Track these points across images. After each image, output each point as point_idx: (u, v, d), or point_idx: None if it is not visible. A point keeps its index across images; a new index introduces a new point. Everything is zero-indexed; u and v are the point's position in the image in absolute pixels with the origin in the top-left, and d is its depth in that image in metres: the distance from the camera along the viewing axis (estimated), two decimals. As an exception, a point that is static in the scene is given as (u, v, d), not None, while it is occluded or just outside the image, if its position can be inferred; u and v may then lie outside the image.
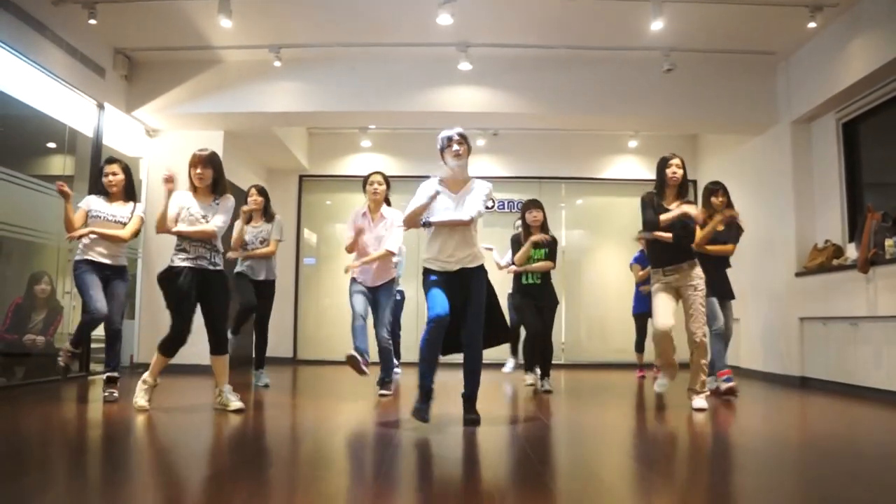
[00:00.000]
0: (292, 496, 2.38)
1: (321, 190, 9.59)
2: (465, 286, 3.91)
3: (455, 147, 3.98)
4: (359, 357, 4.99)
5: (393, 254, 5.17)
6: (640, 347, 7.27)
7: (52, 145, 6.45)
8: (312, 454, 3.33)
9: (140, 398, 4.26)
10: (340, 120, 8.18)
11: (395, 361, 5.93)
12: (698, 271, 4.68)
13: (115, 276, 4.81)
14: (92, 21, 5.80)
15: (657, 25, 5.92)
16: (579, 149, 9.38)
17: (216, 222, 4.26)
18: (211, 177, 4.30)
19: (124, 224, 4.77)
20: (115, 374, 4.78)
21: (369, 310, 5.22)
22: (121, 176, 4.83)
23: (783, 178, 6.99)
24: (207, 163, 4.28)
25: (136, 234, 4.90)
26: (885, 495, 2.53)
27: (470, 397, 3.94)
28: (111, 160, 4.92)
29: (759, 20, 6.13)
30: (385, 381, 5.25)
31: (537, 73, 7.04)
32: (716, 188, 5.66)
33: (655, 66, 6.78)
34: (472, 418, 3.86)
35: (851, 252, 5.95)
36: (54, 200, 5.65)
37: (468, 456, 3.25)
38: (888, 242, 5.31)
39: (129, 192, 4.90)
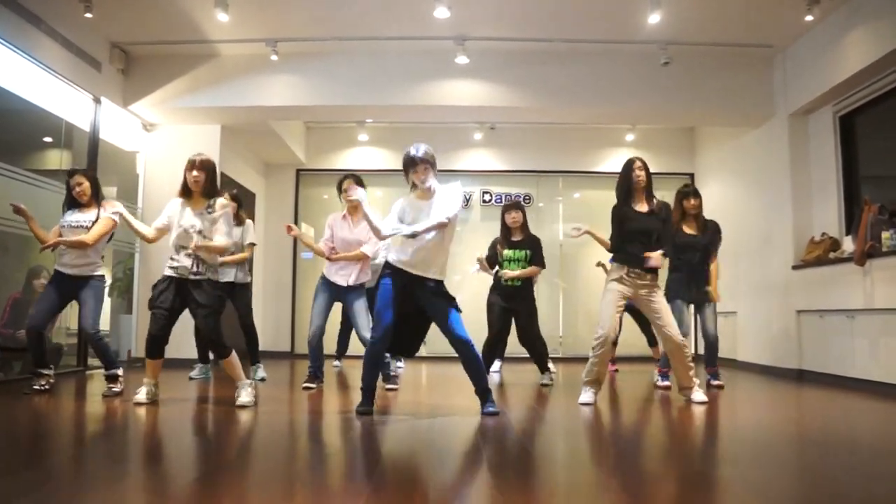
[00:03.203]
0: (291, 489, 2.39)
1: (318, 184, 9.58)
2: (424, 296, 3.96)
3: (420, 175, 3.97)
4: (313, 386, 5.17)
5: (367, 257, 5.17)
6: (614, 341, 7.21)
7: (48, 140, 6.43)
8: (311, 448, 3.33)
9: (140, 395, 4.27)
10: (337, 114, 8.17)
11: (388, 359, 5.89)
12: (657, 282, 4.63)
13: (82, 285, 4.80)
14: (88, 14, 5.78)
15: (654, 18, 5.92)
16: (576, 142, 9.38)
17: (222, 239, 4.29)
18: (204, 180, 4.30)
19: (87, 227, 4.76)
20: (116, 372, 4.77)
21: (326, 319, 5.25)
22: (86, 184, 4.86)
23: (780, 171, 7.00)
24: (202, 167, 4.29)
25: (104, 235, 4.80)
26: (881, 487, 2.54)
27: (481, 392, 4.04)
28: (73, 172, 4.95)
29: (757, 13, 6.13)
30: (390, 375, 5.26)
31: (534, 67, 7.03)
32: (687, 192, 5.62)
33: (653, 60, 6.79)
34: (488, 412, 3.95)
35: (848, 245, 5.96)
36: (52, 195, 5.65)
37: (465, 449, 3.25)
38: (885, 235, 5.33)
39: (96, 195, 4.92)
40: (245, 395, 4.27)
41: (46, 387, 4.74)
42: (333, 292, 5.22)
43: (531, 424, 3.90)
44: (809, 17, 5.83)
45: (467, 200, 9.30)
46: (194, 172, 4.27)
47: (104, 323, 5.85)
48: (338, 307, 5.41)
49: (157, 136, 7.54)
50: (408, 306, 3.98)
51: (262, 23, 6.49)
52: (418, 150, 3.96)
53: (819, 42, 6.28)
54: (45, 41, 5.70)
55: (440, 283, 4.01)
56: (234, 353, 4.36)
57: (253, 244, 5.95)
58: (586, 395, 4.53)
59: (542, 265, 5.73)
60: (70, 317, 6.27)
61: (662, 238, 4.58)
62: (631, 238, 4.56)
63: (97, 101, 6.54)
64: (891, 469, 2.84)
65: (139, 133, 7.46)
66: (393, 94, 7.13)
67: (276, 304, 9.34)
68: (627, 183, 4.62)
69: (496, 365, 6.93)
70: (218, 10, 5.80)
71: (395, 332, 4.02)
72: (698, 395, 4.57)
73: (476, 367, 4.03)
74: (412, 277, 3.94)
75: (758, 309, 7.39)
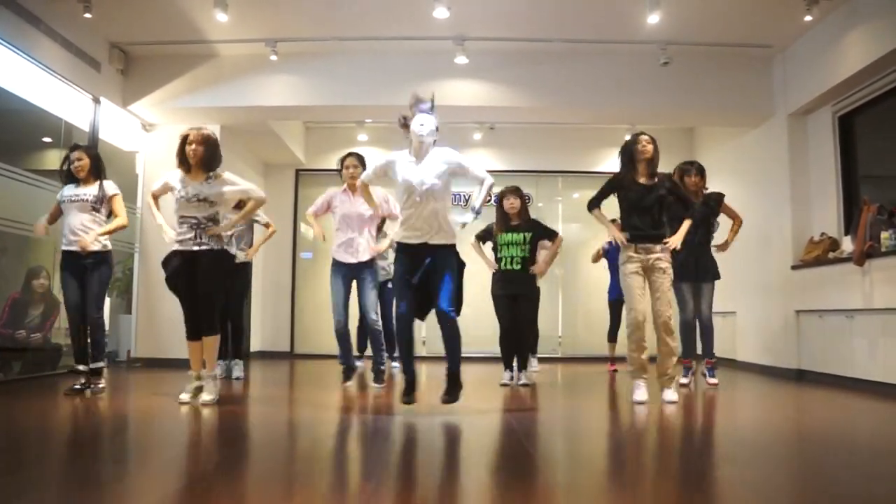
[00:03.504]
0: (290, 490, 2.39)
1: (318, 184, 9.55)
2: (430, 259, 3.94)
3: (420, 119, 4.01)
4: (351, 381, 5.20)
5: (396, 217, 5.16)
6: (613, 337, 7.17)
7: (47, 140, 6.43)
8: (311, 448, 3.33)
9: (184, 394, 4.29)
10: (337, 114, 8.16)
11: (386, 354, 5.84)
12: (667, 255, 4.61)
13: (89, 264, 4.80)
14: (87, 15, 5.78)
15: (654, 18, 5.92)
16: (576, 142, 9.38)
17: (256, 190, 4.47)
18: (203, 153, 4.28)
19: (87, 201, 4.79)
20: (101, 365, 4.78)
21: (348, 304, 5.19)
22: (86, 160, 4.88)
23: (779, 171, 7.00)
24: (202, 140, 4.29)
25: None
26: (880, 486, 2.55)
27: (451, 373, 4.00)
28: (74, 147, 4.99)
29: (756, 13, 6.13)
30: (380, 368, 5.23)
31: (534, 67, 7.03)
32: (688, 168, 5.57)
33: (652, 60, 6.79)
34: (446, 398, 3.95)
35: (847, 245, 5.96)
36: (50, 195, 5.63)
37: (466, 449, 3.25)
38: (884, 235, 5.33)
39: (96, 172, 4.93)
40: (208, 393, 4.28)
41: (101, 385, 4.78)
42: (346, 271, 5.16)
43: (531, 425, 3.90)
44: (808, 18, 5.83)
45: (466, 201, 9.32)
46: (193, 145, 4.27)
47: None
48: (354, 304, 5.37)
49: (156, 137, 7.53)
50: (421, 274, 3.96)
51: (262, 23, 6.48)
52: (424, 102, 4.02)
53: (818, 42, 6.28)
54: (45, 41, 5.70)
55: (448, 247, 4.01)
56: (218, 338, 4.38)
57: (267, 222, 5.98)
58: (639, 392, 4.50)
59: (555, 233, 5.66)
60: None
61: (671, 207, 4.64)
62: (629, 211, 4.58)
63: (96, 101, 6.54)
64: (891, 469, 2.85)
65: (138, 133, 7.46)
66: (392, 94, 7.11)
67: (275, 305, 9.33)
68: (631, 153, 4.62)
69: (534, 363, 6.79)
70: (217, 10, 5.80)
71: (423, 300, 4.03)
72: (670, 393, 4.53)
73: (453, 345, 3.99)
74: (419, 246, 3.95)
75: (757, 309, 7.39)
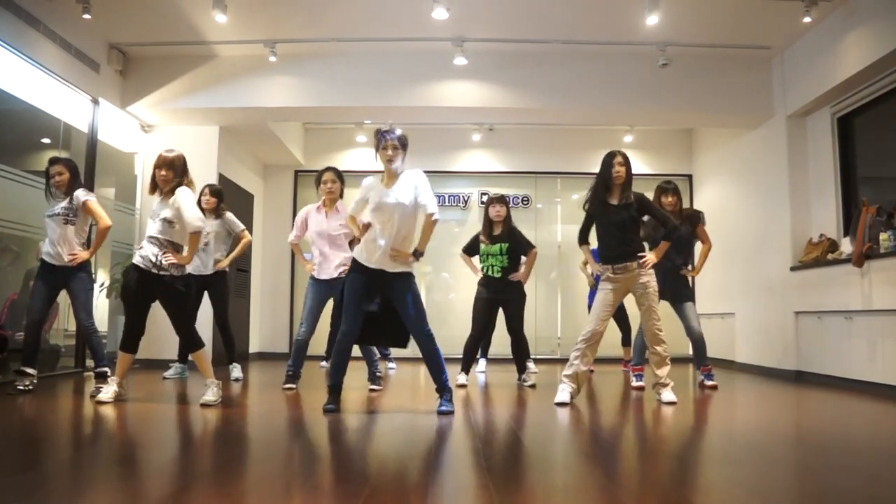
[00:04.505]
0: (288, 491, 2.38)
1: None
2: (390, 287, 4.04)
3: (388, 153, 4.08)
4: (294, 386, 5.23)
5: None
6: (626, 341, 7.23)
7: (46, 141, 6.42)
8: (308, 449, 3.33)
9: (103, 394, 4.32)
10: (336, 115, 8.17)
11: (379, 354, 5.86)
12: (647, 270, 4.64)
13: (69, 275, 4.85)
14: (86, 16, 5.78)
15: (652, 20, 5.92)
16: (575, 143, 9.39)
17: (191, 221, 4.22)
18: (173, 179, 4.32)
19: (59, 215, 4.85)
20: (104, 370, 4.80)
21: (317, 320, 5.26)
22: (66, 174, 4.92)
23: (778, 173, 7.01)
24: (169, 165, 4.31)
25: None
26: (879, 488, 2.55)
27: (440, 388, 4.12)
28: (55, 160, 4.99)
29: (755, 14, 6.14)
30: (376, 375, 5.28)
31: (533, 68, 7.03)
32: (667, 188, 5.63)
33: (651, 61, 6.80)
34: (442, 411, 4.01)
35: (846, 246, 5.97)
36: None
37: (462, 450, 3.25)
38: (883, 236, 5.33)
39: (74, 186, 4.96)
40: (210, 394, 4.33)
41: (30, 387, 4.76)
42: (324, 290, 5.23)
43: (527, 425, 3.90)
44: (807, 19, 5.84)
45: (465, 201, 9.33)
46: (162, 171, 4.31)
47: (102, 324, 5.83)
48: (327, 311, 5.42)
49: (155, 138, 7.53)
50: (383, 298, 4.08)
51: (261, 24, 6.48)
52: (393, 131, 4.08)
53: (817, 44, 6.28)
54: (44, 42, 5.70)
55: (406, 275, 4.07)
56: (205, 349, 4.41)
57: (244, 229, 6.01)
58: (563, 394, 4.59)
59: (531, 247, 5.84)
60: (69, 319, 6.26)
61: (647, 227, 4.83)
62: (607, 232, 4.66)
63: (95, 102, 6.54)
64: (891, 470, 2.85)
65: (137, 134, 7.46)
66: (391, 96, 7.13)
67: (273, 305, 9.34)
68: (607, 178, 4.69)
69: (481, 364, 6.97)
70: (216, 11, 5.80)
71: (382, 326, 4.11)
72: (668, 394, 4.62)
73: (436, 363, 4.10)
74: (375, 272, 4.02)
75: (756, 310, 7.39)
